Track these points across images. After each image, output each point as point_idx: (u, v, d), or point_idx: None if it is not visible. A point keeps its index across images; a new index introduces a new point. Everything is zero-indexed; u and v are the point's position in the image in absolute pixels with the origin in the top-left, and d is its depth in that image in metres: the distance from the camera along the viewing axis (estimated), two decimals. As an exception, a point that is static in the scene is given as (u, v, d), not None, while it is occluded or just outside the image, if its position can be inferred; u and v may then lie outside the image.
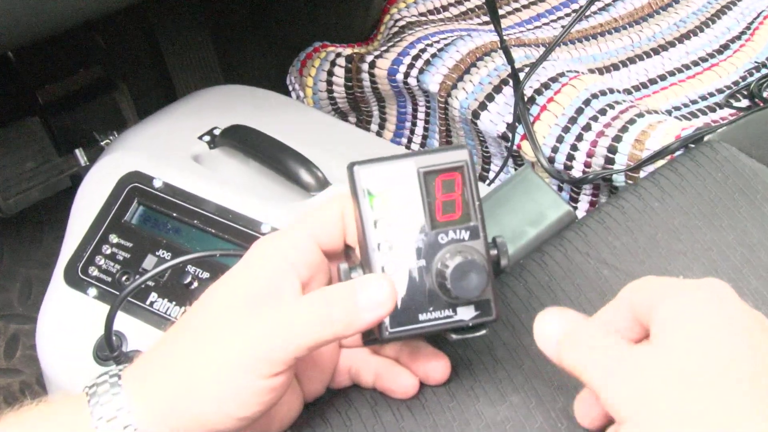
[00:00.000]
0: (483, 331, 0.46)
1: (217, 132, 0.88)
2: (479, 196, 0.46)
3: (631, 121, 0.90)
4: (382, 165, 0.44)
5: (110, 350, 0.69)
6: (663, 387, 0.38)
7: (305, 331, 0.42)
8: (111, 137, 1.05)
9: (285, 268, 0.45)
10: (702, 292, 0.41)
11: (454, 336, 0.46)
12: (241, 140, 0.84)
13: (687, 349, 0.39)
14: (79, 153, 1.10)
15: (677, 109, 1.05)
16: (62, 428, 0.44)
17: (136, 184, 0.81)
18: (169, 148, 0.86)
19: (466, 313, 0.45)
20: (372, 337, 0.47)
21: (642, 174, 0.86)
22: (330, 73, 1.11)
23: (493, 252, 0.46)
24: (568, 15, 1.22)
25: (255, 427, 0.45)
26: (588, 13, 1.19)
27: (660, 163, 0.83)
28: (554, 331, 0.44)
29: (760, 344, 0.39)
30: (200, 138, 0.88)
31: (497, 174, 1.02)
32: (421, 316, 0.45)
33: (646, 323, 0.42)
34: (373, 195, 0.44)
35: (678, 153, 0.82)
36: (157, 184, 0.81)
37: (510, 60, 0.85)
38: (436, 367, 0.49)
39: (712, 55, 1.15)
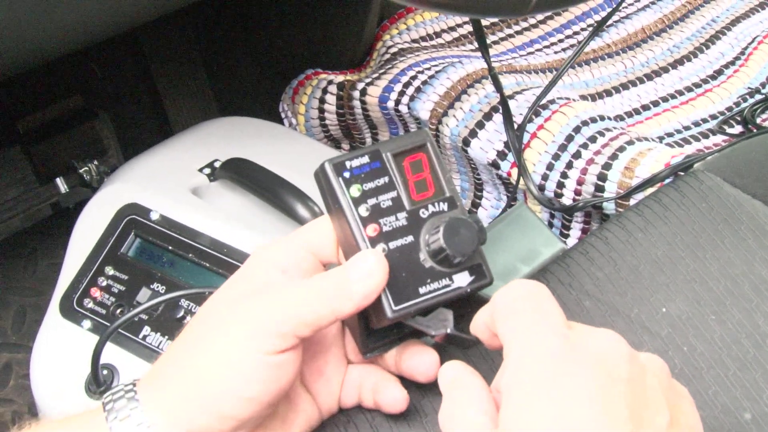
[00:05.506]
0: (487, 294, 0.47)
1: (217, 164, 0.88)
2: (447, 170, 0.48)
3: (621, 149, 0.90)
4: (351, 157, 0.47)
5: (97, 384, 0.70)
6: None
7: (302, 307, 0.44)
8: (89, 165, 1.05)
9: (277, 272, 0.47)
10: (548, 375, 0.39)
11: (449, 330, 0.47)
12: (239, 173, 0.85)
13: None
14: (60, 181, 1.10)
15: (670, 135, 1.05)
16: None
17: (134, 216, 0.82)
18: (168, 180, 0.87)
19: (462, 279, 0.47)
20: (375, 345, 0.49)
21: (632, 202, 0.86)
22: (322, 101, 1.11)
23: None
24: (560, 41, 1.22)
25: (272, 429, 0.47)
26: (580, 37, 1.20)
27: (650, 190, 0.83)
28: (443, 387, 0.44)
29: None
30: (200, 170, 0.89)
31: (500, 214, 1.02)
32: (422, 290, 0.46)
33: None
34: (349, 185, 0.46)
35: (667, 181, 0.82)
36: (155, 216, 0.81)
37: (499, 88, 0.86)
38: (421, 361, 0.49)
39: (705, 81, 1.15)
